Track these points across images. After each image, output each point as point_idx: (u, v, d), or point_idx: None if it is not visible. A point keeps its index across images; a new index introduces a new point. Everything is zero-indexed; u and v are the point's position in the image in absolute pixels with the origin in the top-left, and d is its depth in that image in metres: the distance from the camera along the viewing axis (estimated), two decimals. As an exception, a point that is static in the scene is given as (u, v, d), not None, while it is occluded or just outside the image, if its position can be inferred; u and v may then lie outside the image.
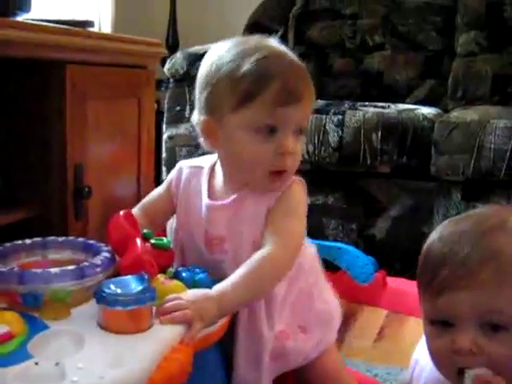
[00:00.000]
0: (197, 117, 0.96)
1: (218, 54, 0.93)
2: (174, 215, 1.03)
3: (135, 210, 1.01)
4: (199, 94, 0.95)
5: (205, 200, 0.96)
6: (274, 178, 0.91)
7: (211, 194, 0.97)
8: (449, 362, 0.72)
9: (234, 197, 0.93)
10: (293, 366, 0.99)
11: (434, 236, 0.76)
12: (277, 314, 0.94)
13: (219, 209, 0.94)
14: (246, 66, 0.88)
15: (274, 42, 0.94)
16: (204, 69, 0.95)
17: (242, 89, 0.88)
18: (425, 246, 0.77)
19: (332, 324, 1.03)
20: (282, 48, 0.94)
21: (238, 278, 0.84)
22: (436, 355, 0.74)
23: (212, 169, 1.00)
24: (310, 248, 1.04)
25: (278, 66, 0.89)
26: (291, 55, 0.94)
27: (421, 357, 0.82)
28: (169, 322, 0.76)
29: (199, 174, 0.99)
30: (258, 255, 0.87)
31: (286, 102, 0.88)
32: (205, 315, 0.78)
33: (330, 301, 1.04)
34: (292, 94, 0.88)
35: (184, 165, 1.03)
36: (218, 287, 0.83)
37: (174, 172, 1.03)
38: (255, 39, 0.95)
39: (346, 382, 1.05)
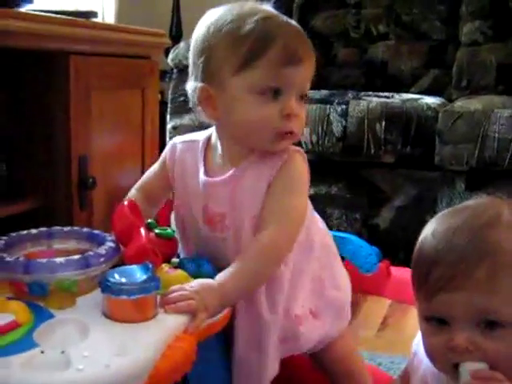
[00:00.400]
0: (193, 85, 0.92)
1: (214, 17, 0.90)
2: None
3: (133, 192, 1.01)
4: (195, 60, 0.91)
5: (202, 177, 0.94)
6: (280, 140, 0.89)
7: (208, 170, 0.94)
8: (444, 359, 0.71)
9: (232, 172, 0.91)
10: (302, 351, 0.98)
11: (427, 230, 0.75)
12: (282, 295, 0.93)
13: (217, 185, 0.92)
14: (249, 26, 0.86)
15: (269, 7, 0.93)
16: (200, 33, 0.91)
17: (245, 48, 0.86)
18: (419, 240, 0.75)
19: (344, 311, 1.02)
20: (278, 12, 0.92)
21: (238, 267, 0.84)
22: (431, 352, 0.74)
23: (207, 143, 0.97)
24: (320, 223, 1.02)
25: (280, 27, 0.88)
26: (289, 19, 0.92)
27: (419, 348, 0.82)
28: (173, 312, 0.76)
29: (194, 149, 0.97)
30: (257, 241, 0.86)
31: (290, 62, 0.86)
32: (208, 305, 0.79)
33: (342, 286, 1.02)
34: (295, 54, 0.87)
35: (177, 140, 1.00)
36: (220, 277, 0.83)
37: (167, 148, 1.01)
38: (250, 4, 0.92)
39: (357, 367, 1.05)
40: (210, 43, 0.89)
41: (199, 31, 0.92)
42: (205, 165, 0.95)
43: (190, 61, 0.93)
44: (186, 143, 0.99)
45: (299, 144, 1.93)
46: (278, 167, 0.89)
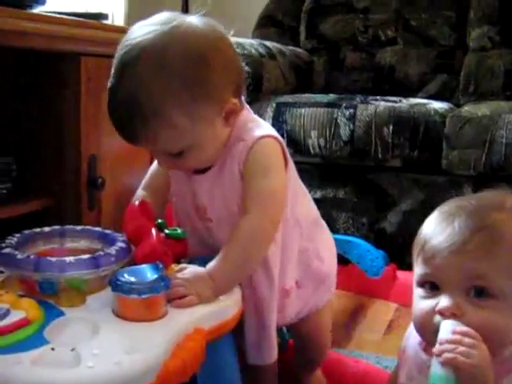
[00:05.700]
0: None
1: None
2: None
3: (140, 191, 1.02)
4: None
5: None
6: None
7: None
8: (430, 325, 0.73)
9: (215, 167, 0.93)
10: (285, 322, 1.02)
11: (435, 210, 0.80)
12: (277, 273, 0.95)
13: (200, 180, 0.94)
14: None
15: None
16: None
17: None
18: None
19: (325, 282, 1.03)
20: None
21: (225, 254, 0.86)
22: (419, 317, 0.76)
23: None
24: (306, 200, 1.03)
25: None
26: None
27: (408, 343, 0.83)
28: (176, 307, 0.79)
29: None
30: (241, 226, 0.87)
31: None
32: (201, 293, 0.82)
33: (326, 258, 1.03)
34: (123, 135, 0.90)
35: None
36: (209, 266, 0.85)
37: None
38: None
39: (327, 344, 1.11)
40: None
41: None
42: None
43: None
44: None
45: (307, 147, 1.94)
46: (244, 156, 0.90)
